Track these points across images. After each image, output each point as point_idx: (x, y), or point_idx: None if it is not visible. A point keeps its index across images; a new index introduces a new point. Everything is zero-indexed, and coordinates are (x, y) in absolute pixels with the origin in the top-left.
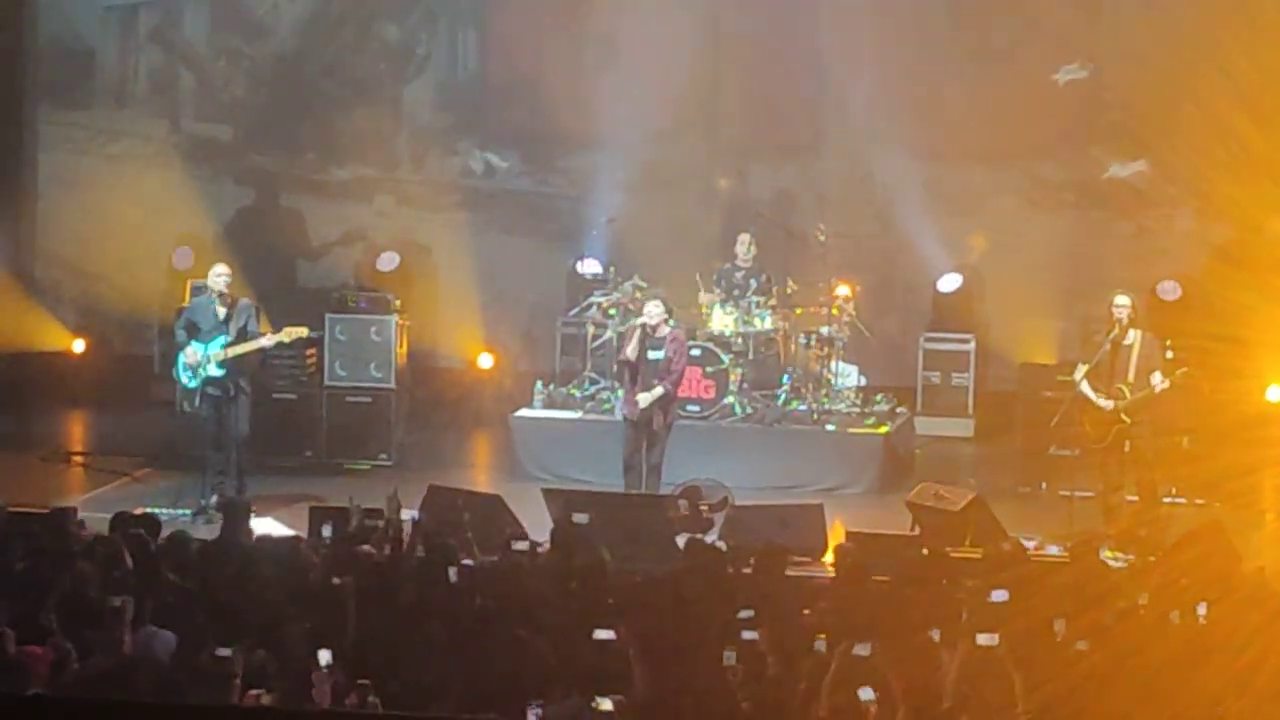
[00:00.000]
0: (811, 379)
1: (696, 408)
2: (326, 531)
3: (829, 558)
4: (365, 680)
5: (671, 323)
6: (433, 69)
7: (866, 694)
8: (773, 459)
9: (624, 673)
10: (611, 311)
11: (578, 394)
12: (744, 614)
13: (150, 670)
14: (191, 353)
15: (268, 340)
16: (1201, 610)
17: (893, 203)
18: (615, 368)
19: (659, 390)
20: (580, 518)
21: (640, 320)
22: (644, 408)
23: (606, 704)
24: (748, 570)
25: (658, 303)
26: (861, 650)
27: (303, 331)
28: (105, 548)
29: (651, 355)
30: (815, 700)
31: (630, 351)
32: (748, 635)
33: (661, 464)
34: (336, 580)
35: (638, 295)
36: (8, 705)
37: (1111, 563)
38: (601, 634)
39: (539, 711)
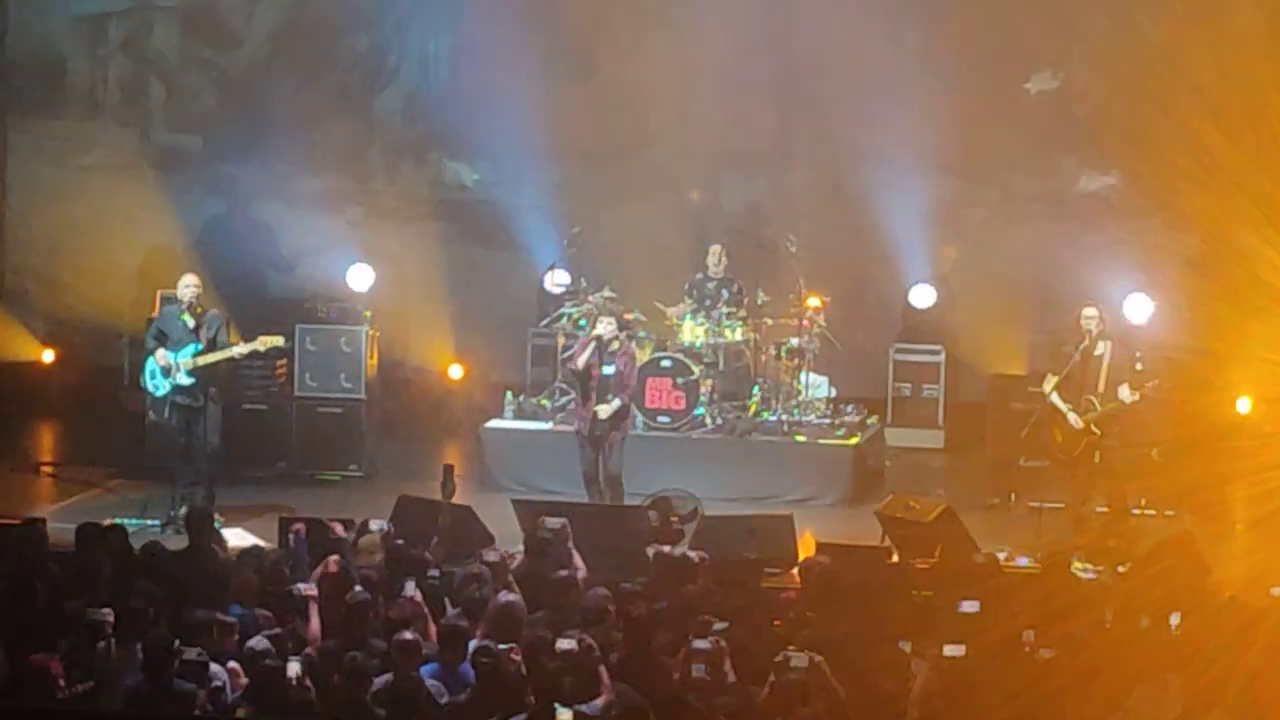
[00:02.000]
0: (782, 390)
1: (667, 419)
2: (294, 543)
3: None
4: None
5: (640, 334)
6: (404, 79)
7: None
8: (743, 470)
9: (590, 683)
10: (582, 322)
11: (548, 405)
12: (718, 626)
13: (123, 682)
14: (162, 355)
15: (241, 349)
16: (1175, 620)
17: (863, 214)
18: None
19: (616, 403)
20: (554, 522)
21: (595, 332)
22: (604, 419)
23: (566, 714)
24: (717, 582)
25: (611, 320)
26: (799, 662)
27: (278, 340)
28: (78, 559)
29: (605, 370)
30: (782, 711)
31: (581, 362)
32: (699, 644)
33: (619, 476)
34: (305, 590)
35: (603, 307)
36: None
37: (1081, 574)
38: (564, 643)
39: None
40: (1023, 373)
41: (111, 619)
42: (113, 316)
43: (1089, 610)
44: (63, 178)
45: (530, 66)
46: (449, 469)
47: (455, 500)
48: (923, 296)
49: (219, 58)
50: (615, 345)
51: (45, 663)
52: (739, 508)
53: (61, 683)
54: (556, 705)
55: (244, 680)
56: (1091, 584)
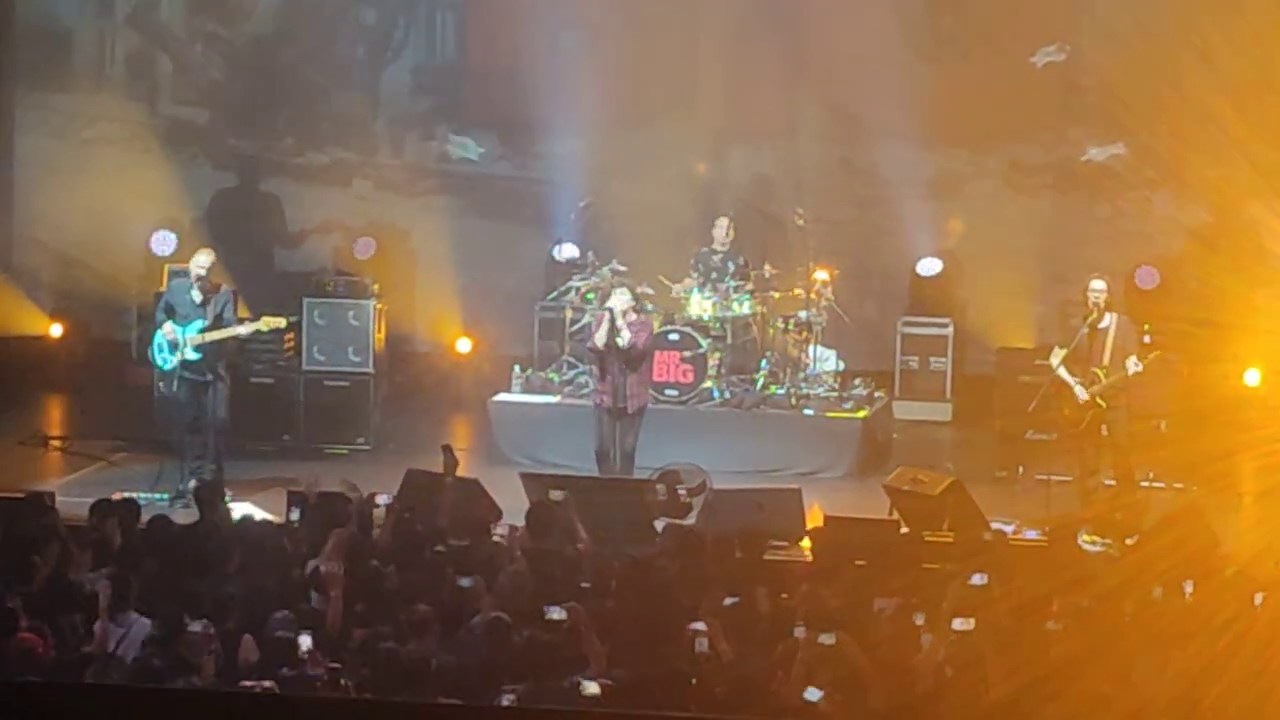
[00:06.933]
0: (789, 363)
1: (674, 392)
2: (295, 516)
3: (806, 542)
4: (338, 664)
5: (648, 307)
6: (410, 53)
7: (813, 695)
8: (751, 443)
9: (586, 655)
10: (589, 296)
11: (556, 378)
12: (728, 601)
13: (131, 654)
14: (169, 329)
15: (244, 329)
16: (1189, 588)
17: (870, 187)
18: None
19: (628, 334)
20: (557, 494)
21: (608, 306)
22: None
23: (593, 688)
24: (725, 555)
25: (625, 291)
26: (826, 639)
27: (280, 322)
28: (86, 532)
29: (619, 341)
30: (788, 685)
31: (599, 339)
32: (696, 626)
33: (635, 451)
34: (314, 564)
35: (615, 280)
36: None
37: (1089, 547)
38: (553, 613)
39: (513, 695)
40: (1030, 345)
41: (118, 592)
42: (120, 290)
43: (1096, 583)
44: (69, 151)
45: (537, 39)
46: (447, 449)
47: (462, 474)
48: (930, 269)
49: (226, 31)
50: (631, 315)
51: (36, 639)
52: (747, 481)
53: (55, 655)
54: (581, 680)
55: (255, 654)
56: (1099, 557)
